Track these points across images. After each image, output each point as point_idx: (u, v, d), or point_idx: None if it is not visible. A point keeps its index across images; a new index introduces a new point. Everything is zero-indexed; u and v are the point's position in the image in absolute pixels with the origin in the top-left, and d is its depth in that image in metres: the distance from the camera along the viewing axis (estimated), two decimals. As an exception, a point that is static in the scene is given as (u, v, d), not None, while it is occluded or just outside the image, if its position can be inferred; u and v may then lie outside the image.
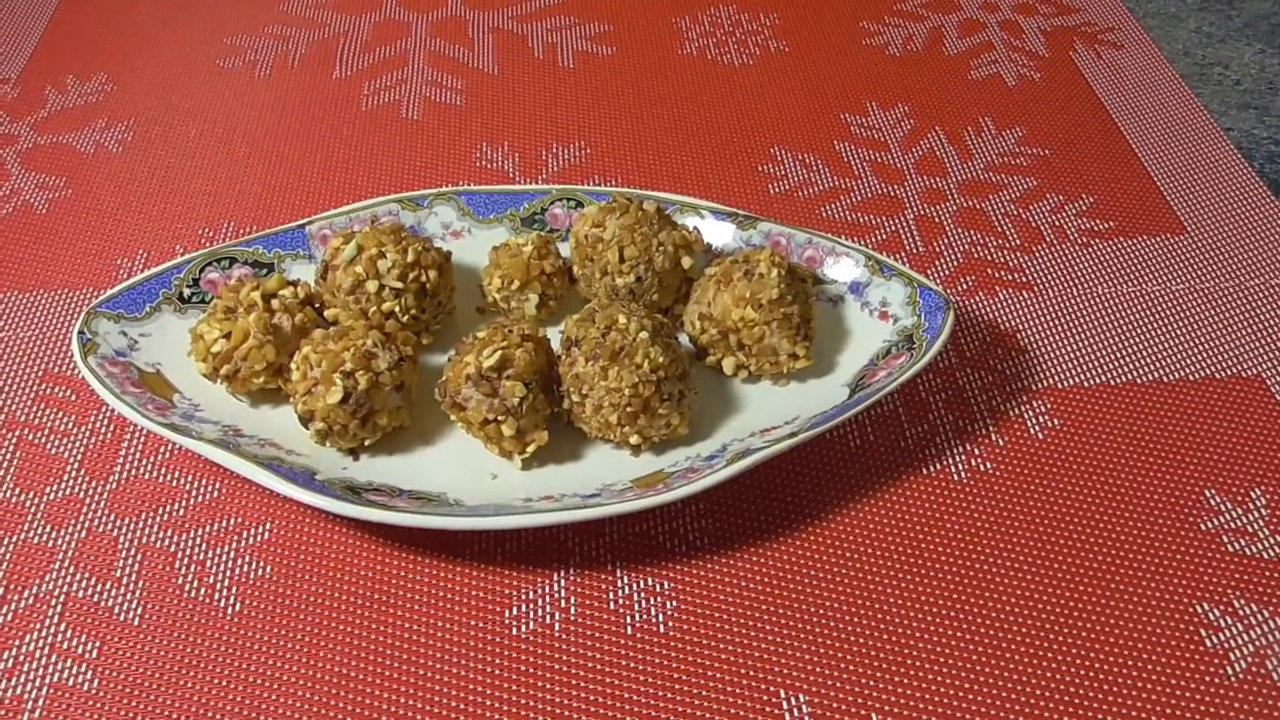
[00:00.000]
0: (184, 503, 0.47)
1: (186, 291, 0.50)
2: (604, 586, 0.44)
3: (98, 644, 0.42)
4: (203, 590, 0.44)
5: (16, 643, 0.42)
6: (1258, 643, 0.42)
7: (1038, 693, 0.40)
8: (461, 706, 0.40)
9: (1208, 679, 0.41)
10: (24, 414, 0.50)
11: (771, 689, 0.41)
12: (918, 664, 0.41)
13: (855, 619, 0.43)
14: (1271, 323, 0.54)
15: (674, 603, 0.43)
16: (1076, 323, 0.54)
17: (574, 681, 0.41)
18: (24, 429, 0.49)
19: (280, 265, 0.52)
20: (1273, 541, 0.45)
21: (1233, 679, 0.41)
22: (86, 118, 0.67)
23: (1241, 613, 0.43)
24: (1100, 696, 0.40)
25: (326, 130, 0.66)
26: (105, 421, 0.50)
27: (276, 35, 0.75)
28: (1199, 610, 0.43)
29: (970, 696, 0.40)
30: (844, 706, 0.40)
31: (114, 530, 0.46)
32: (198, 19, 0.76)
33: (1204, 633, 0.42)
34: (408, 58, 0.72)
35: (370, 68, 0.71)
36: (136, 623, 0.43)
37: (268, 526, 0.46)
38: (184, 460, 0.48)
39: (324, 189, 0.62)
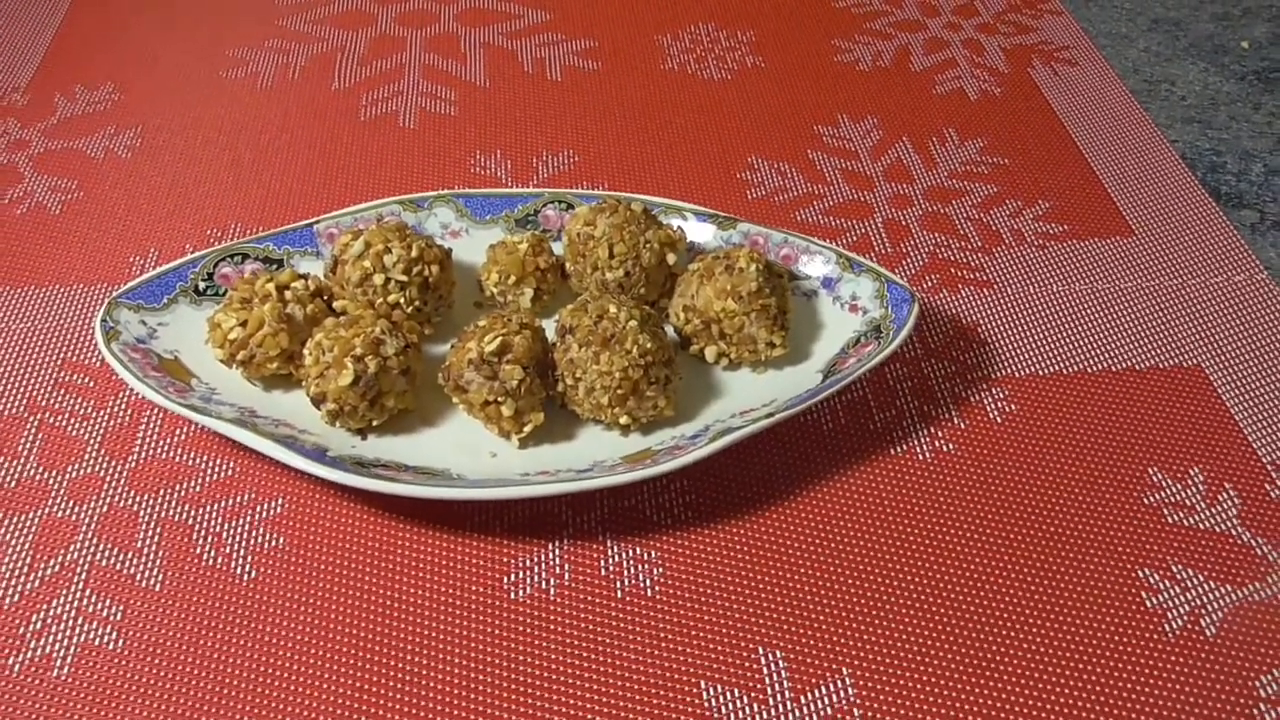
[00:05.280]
0: (200, 480, 0.50)
1: (201, 284, 0.54)
2: (595, 555, 0.47)
3: (121, 608, 0.45)
4: (219, 559, 0.47)
5: (44, 606, 0.45)
6: (1193, 604, 0.46)
7: (993, 649, 0.44)
8: (464, 665, 0.43)
9: (1148, 636, 0.45)
10: (45, 399, 0.53)
11: (750, 646, 0.44)
12: (885, 624, 0.45)
13: (827, 584, 0.46)
14: (1211, 317, 0.58)
15: (660, 570, 0.47)
16: (1033, 317, 0.58)
17: (568, 641, 0.44)
18: (45, 413, 0.52)
19: (289, 261, 0.55)
20: (1209, 514, 0.49)
21: (1170, 636, 0.45)
22: (95, 124, 0.71)
23: (1179, 577, 0.47)
24: (1051, 652, 0.44)
25: (327, 138, 0.70)
26: (123, 406, 0.53)
27: (277, 49, 0.78)
28: (1141, 575, 0.47)
29: (932, 653, 0.44)
30: (817, 662, 0.44)
31: (134, 505, 0.49)
32: (199, 33, 0.80)
33: (1145, 595, 0.46)
34: (403, 71, 0.76)
35: (367, 80, 0.75)
36: (157, 588, 0.46)
37: (280, 501, 0.49)
38: (199, 441, 0.51)
39: (325, 193, 0.65)
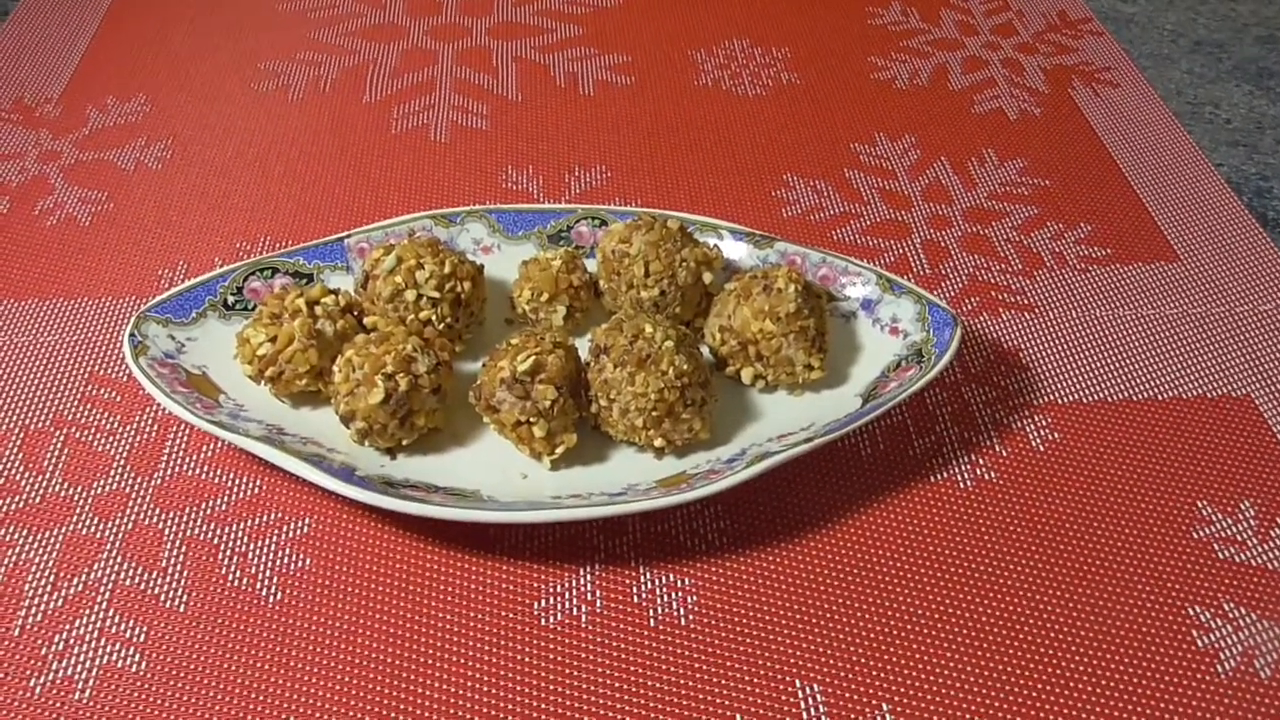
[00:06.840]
0: (226, 498, 0.49)
1: (230, 299, 0.53)
2: (628, 581, 0.46)
3: (145, 629, 0.44)
4: (245, 580, 0.46)
5: (67, 627, 0.44)
6: (1246, 644, 0.44)
7: (1038, 687, 0.43)
8: (493, 692, 0.42)
9: (1199, 677, 0.43)
10: (71, 413, 0.52)
11: (787, 679, 0.43)
12: (926, 658, 0.44)
13: (866, 615, 0.45)
14: (1259, 346, 0.56)
15: (694, 598, 0.46)
16: (1075, 343, 0.57)
17: (599, 670, 0.43)
18: (71, 427, 0.52)
19: (319, 276, 0.55)
20: (1260, 550, 0.47)
21: (1222, 677, 0.43)
22: (127, 136, 0.70)
23: (1231, 615, 0.45)
24: (1097, 692, 0.42)
25: (358, 151, 0.69)
26: (150, 421, 0.52)
27: (308, 61, 0.78)
28: (1191, 613, 0.45)
29: (973, 689, 0.43)
30: (856, 696, 0.42)
31: (159, 523, 0.48)
32: (231, 45, 0.79)
33: (1195, 634, 0.44)
34: (435, 84, 0.76)
35: (399, 93, 0.75)
36: (182, 609, 0.45)
37: (307, 521, 0.48)
38: (225, 458, 0.50)
39: (356, 207, 0.65)
